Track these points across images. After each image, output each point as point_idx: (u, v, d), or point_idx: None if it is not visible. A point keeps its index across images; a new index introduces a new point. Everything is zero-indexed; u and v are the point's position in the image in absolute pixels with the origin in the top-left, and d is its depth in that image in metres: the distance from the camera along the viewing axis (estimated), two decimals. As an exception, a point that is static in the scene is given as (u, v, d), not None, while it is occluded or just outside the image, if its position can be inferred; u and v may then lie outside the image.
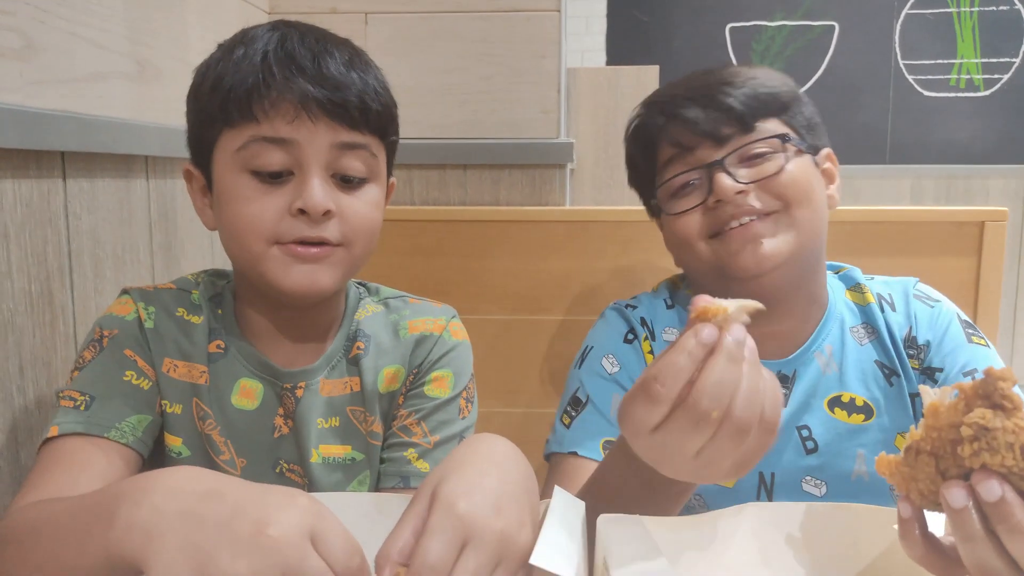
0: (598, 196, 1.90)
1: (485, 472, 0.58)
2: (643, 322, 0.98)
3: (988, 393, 0.51)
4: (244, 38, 0.81)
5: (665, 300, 1.01)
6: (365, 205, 0.82)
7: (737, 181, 0.89)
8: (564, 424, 0.95)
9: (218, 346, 0.87)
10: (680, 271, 1.05)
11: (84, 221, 1.02)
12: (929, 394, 0.55)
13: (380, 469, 0.91)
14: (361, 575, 0.50)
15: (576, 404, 0.95)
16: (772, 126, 0.92)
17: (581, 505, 0.62)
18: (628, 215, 1.65)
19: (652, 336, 0.97)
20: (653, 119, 0.96)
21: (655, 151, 0.96)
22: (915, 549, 0.56)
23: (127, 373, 0.82)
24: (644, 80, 2.01)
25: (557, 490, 0.62)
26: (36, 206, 0.93)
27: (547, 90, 1.69)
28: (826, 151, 0.97)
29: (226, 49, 0.82)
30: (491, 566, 0.53)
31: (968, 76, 3.55)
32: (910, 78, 3.56)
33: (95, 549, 0.52)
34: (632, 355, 0.96)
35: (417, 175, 1.70)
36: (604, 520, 0.61)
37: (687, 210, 0.92)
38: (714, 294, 0.61)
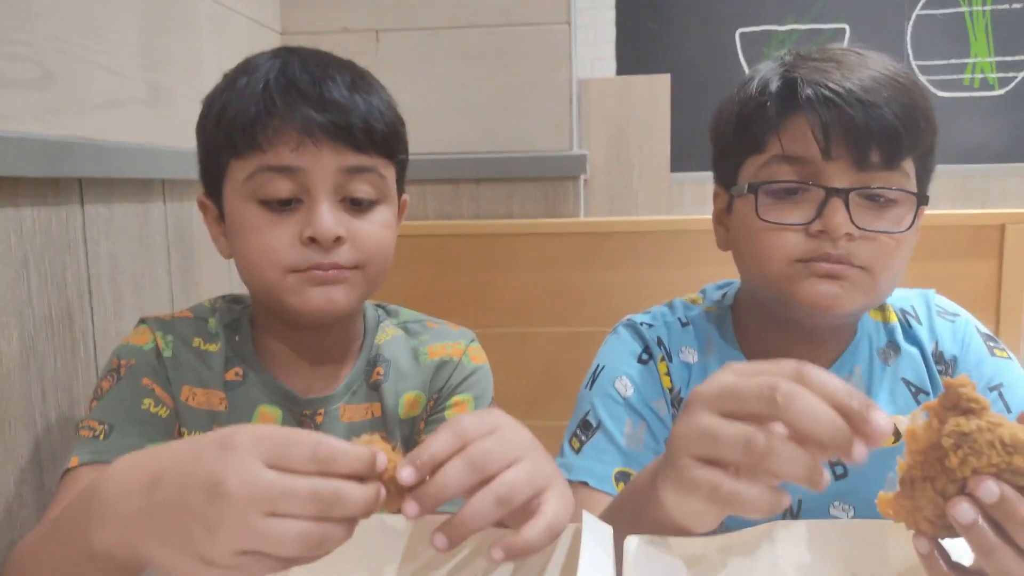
0: (612, 206, 1.90)
1: (491, 413, 0.61)
2: (659, 342, 0.95)
3: (955, 403, 0.53)
4: (247, 67, 0.82)
5: (680, 319, 0.98)
6: (376, 227, 0.82)
7: (852, 222, 0.78)
8: (573, 448, 0.91)
9: (236, 373, 0.87)
10: (694, 291, 1.03)
11: (103, 246, 1.03)
12: (902, 422, 0.56)
13: (401, 493, 0.90)
14: (336, 460, 0.48)
15: (586, 428, 0.91)
16: (910, 170, 0.80)
17: (608, 529, 0.62)
18: (641, 226, 1.65)
19: (668, 357, 0.94)
20: (798, 94, 0.79)
21: (775, 129, 0.81)
22: None
23: (145, 402, 0.82)
24: (655, 89, 2.01)
25: (585, 514, 0.61)
26: (55, 233, 0.93)
27: (558, 102, 1.69)
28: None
29: (230, 79, 0.82)
30: (522, 448, 0.57)
31: (982, 75, 3.52)
32: (923, 79, 3.53)
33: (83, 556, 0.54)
34: (647, 376, 0.93)
35: (430, 190, 1.70)
36: (631, 542, 0.61)
37: (786, 225, 0.80)
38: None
